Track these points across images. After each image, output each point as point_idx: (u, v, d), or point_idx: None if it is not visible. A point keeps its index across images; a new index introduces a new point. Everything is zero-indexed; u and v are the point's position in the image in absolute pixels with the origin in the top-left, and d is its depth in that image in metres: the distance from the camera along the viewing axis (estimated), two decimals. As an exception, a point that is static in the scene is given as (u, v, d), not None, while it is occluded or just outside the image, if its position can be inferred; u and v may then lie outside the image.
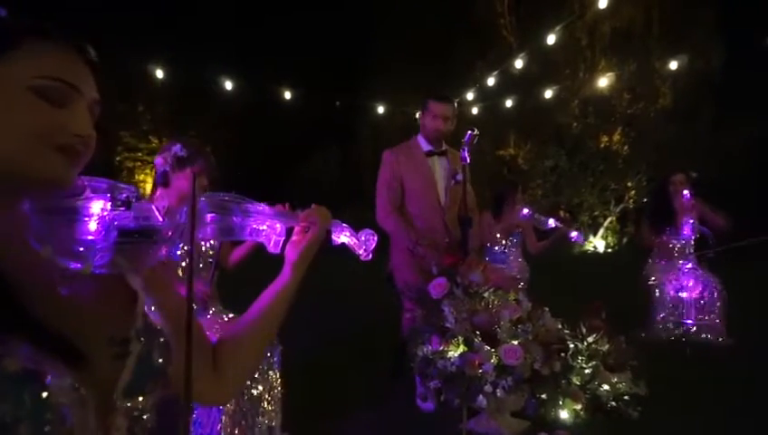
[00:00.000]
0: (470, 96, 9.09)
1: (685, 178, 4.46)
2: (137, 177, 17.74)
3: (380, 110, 10.35)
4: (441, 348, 2.18)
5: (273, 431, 2.30)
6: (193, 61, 9.51)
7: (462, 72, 12.00)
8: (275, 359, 2.36)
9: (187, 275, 0.60)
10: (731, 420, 2.71)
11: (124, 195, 0.66)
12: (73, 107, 0.65)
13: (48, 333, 0.57)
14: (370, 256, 0.97)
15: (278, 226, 0.86)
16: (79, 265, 0.60)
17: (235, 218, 0.78)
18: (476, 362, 2.09)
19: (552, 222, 4.40)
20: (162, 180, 2.20)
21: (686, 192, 4.37)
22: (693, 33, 10.93)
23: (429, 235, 2.94)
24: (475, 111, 9.53)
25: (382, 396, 3.01)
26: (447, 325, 2.18)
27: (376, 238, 0.97)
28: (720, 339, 4.16)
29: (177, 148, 2.19)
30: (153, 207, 0.69)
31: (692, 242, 4.45)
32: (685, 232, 4.42)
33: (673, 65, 7.48)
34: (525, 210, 4.36)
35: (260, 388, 2.27)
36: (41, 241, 0.59)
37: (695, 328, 4.23)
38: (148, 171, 17.41)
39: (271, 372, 2.34)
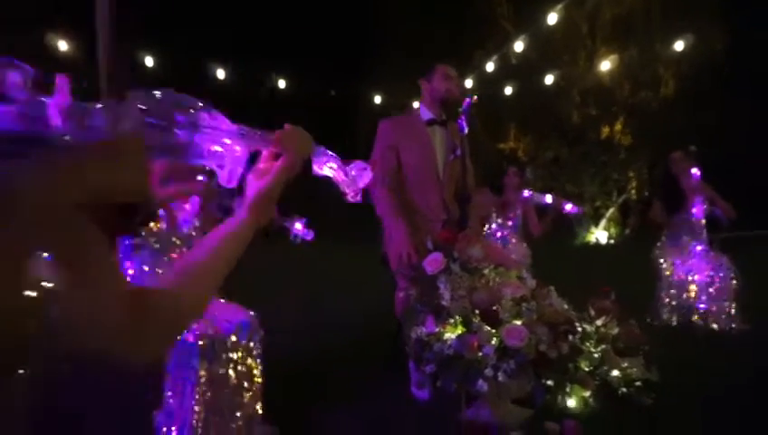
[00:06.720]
0: (469, 84, 8.89)
1: (683, 154, 4.35)
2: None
3: (377, 99, 10.14)
4: (437, 329, 1.97)
5: (252, 425, 2.11)
6: (185, 48, 9.27)
7: (460, 62, 11.77)
8: (255, 346, 2.16)
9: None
10: (744, 408, 2.55)
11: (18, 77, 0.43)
12: None
13: None
14: (359, 197, 0.74)
15: (237, 148, 0.63)
16: None
17: (180, 132, 0.57)
18: (475, 344, 1.88)
19: (549, 197, 4.45)
20: None
21: (694, 171, 4.24)
22: (695, 17, 10.68)
23: (426, 211, 2.73)
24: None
25: (374, 385, 2.81)
26: (443, 303, 1.97)
27: (370, 175, 0.74)
28: (733, 325, 3.99)
29: None
30: (52, 104, 0.47)
31: (703, 223, 4.29)
32: (695, 211, 4.28)
33: (678, 47, 7.27)
34: (526, 192, 4.38)
35: (237, 378, 2.07)
36: None
37: (705, 312, 4.07)
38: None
39: (250, 361, 2.14)
